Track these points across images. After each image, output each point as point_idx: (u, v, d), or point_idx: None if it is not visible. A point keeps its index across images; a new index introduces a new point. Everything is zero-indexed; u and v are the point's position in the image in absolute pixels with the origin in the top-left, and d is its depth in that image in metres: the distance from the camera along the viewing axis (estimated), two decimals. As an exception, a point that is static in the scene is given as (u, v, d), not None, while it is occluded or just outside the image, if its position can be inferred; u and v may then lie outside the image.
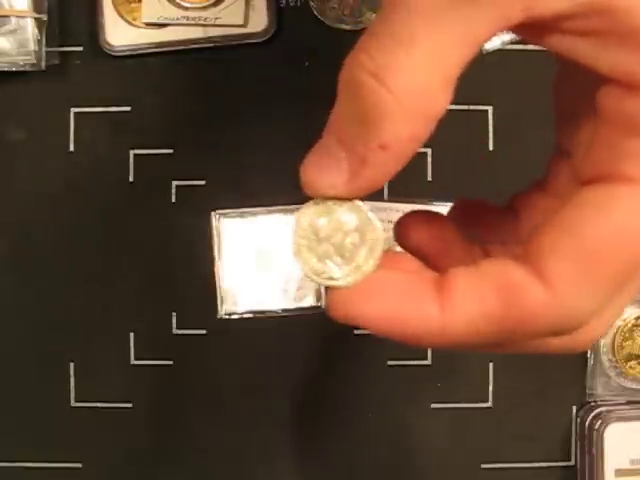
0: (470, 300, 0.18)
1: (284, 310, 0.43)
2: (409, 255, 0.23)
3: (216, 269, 0.42)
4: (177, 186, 0.43)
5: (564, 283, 0.18)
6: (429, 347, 0.19)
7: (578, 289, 0.18)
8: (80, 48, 0.42)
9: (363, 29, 0.20)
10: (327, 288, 0.21)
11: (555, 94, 0.24)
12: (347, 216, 0.20)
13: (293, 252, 0.20)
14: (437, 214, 0.24)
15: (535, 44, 0.19)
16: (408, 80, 0.17)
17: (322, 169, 0.20)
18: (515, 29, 0.18)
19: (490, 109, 0.43)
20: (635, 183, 0.18)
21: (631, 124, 0.17)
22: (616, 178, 0.18)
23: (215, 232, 0.42)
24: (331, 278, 0.21)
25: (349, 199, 0.20)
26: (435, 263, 0.22)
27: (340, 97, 0.19)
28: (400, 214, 0.43)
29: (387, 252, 0.20)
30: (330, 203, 0.20)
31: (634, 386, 0.43)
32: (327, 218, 0.20)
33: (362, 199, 0.20)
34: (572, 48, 0.18)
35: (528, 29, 0.18)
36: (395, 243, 0.23)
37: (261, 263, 0.43)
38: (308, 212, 0.20)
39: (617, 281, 0.18)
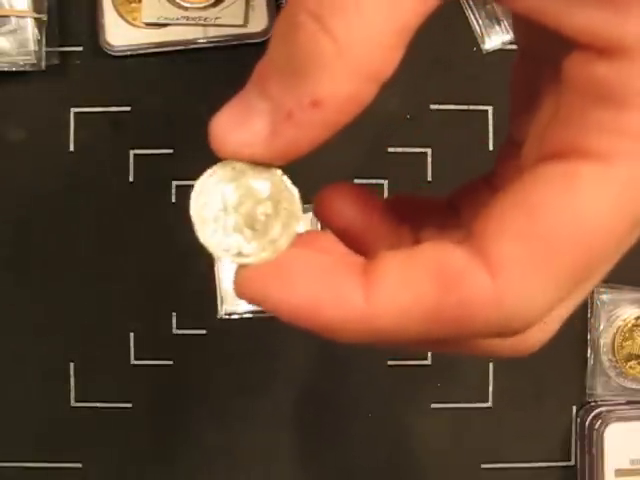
0: (401, 288, 0.16)
1: (284, 310, 0.43)
2: (331, 235, 0.20)
3: (216, 269, 0.42)
4: (177, 186, 0.43)
5: (512, 269, 0.15)
6: (349, 341, 0.16)
7: (528, 278, 0.15)
8: (80, 48, 0.42)
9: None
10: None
11: (514, 77, 0.22)
12: (259, 182, 0.17)
13: (194, 224, 0.17)
14: (366, 189, 0.21)
15: (502, 4, 0.16)
16: (355, 27, 0.15)
17: (237, 123, 0.17)
18: None
19: (490, 109, 0.43)
20: (600, 160, 0.15)
21: (599, 93, 0.15)
22: (579, 153, 0.15)
23: (215, 232, 0.42)
24: (240, 254, 0.17)
25: (263, 163, 0.17)
26: (361, 246, 0.20)
27: (273, 41, 0.16)
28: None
29: (307, 231, 0.18)
30: (239, 166, 0.17)
31: (634, 386, 0.43)
32: (235, 184, 0.17)
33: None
34: (537, 7, 0.15)
35: None
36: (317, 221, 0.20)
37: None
38: (214, 176, 0.17)
39: (574, 277, 0.16)
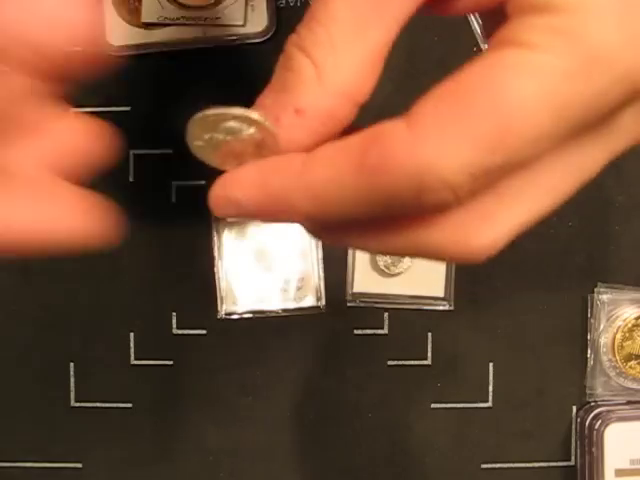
0: (331, 149, 0.18)
1: (284, 310, 0.43)
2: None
3: (216, 269, 0.42)
4: (177, 186, 0.43)
5: (427, 121, 0.17)
6: (295, 212, 0.19)
7: (441, 131, 0.16)
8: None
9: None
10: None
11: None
12: (252, 132, 0.20)
13: (191, 125, 0.20)
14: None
15: None
16: (329, 56, 0.18)
17: None
18: None
19: (490, 109, 0.43)
20: (529, 48, 0.17)
21: (535, 4, 0.17)
22: (512, 44, 0.17)
23: (215, 232, 0.42)
24: (210, 162, 0.22)
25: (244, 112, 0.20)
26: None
27: (274, 74, 0.20)
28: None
29: None
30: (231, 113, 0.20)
31: (634, 386, 0.43)
32: (233, 123, 0.20)
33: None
34: None
35: None
36: None
37: (261, 263, 0.43)
38: (210, 115, 0.20)
39: (490, 149, 0.16)
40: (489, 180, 0.18)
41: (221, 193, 0.21)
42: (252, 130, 0.20)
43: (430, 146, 0.17)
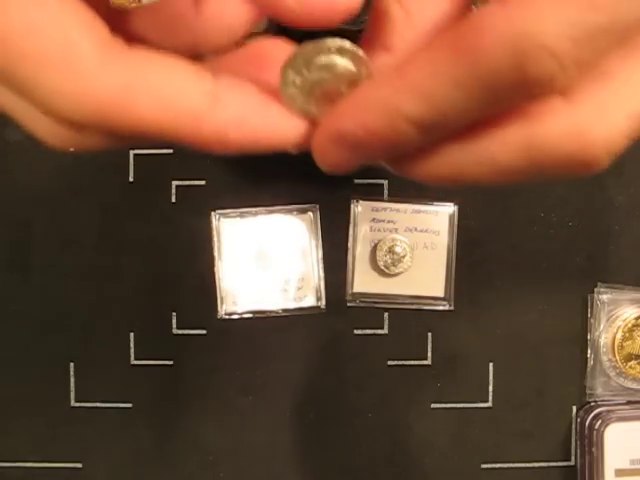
0: (424, 47, 0.19)
1: (284, 310, 0.43)
2: None
3: (216, 269, 0.42)
4: (177, 186, 0.43)
5: None
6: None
7: None
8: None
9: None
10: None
11: None
12: (345, 64, 0.19)
13: (281, 76, 0.19)
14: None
15: None
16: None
17: None
18: None
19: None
20: None
21: None
22: None
23: (215, 232, 0.42)
24: (307, 112, 0.20)
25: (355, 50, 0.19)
26: None
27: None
28: (400, 214, 0.43)
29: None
30: (329, 42, 0.19)
31: (634, 386, 0.43)
32: (327, 61, 0.19)
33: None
34: None
35: None
36: None
37: (261, 263, 0.43)
38: (309, 50, 0.19)
39: (592, 4, 0.15)
40: (595, 50, 0.16)
41: (326, 135, 0.19)
42: (346, 62, 0.19)
43: (526, 10, 0.15)
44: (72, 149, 0.20)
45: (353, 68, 0.19)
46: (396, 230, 0.42)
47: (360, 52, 0.19)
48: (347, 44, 0.19)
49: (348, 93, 0.19)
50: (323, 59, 0.19)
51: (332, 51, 0.19)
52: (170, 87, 0.17)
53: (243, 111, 0.19)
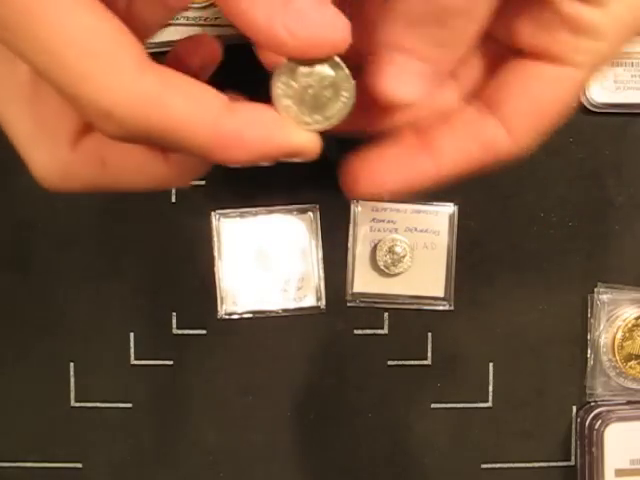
0: None
1: (284, 310, 0.43)
2: None
3: (216, 269, 0.42)
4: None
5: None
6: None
7: None
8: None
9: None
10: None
11: None
12: (327, 71, 0.22)
13: (273, 93, 0.22)
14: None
15: None
16: None
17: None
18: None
19: (490, 109, 0.43)
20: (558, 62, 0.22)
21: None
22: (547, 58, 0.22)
23: (215, 232, 0.42)
24: (302, 121, 0.22)
25: (331, 57, 0.21)
26: None
27: None
28: (400, 214, 0.43)
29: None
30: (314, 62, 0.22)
31: (634, 386, 0.43)
32: (310, 69, 0.22)
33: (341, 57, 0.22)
34: None
35: None
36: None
37: (261, 263, 0.43)
38: (292, 62, 0.22)
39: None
40: None
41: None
42: (325, 68, 0.22)
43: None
44: (63, 188, 0.23)
45: (332, 72, 0.22)
46: (396, 230, 0.42)
47: (336, 58, 0.21)
48: (343, 67, 0.22)
49: (334, 98, 0.22)
50: (304, 68, 0.22)
51: (313, 62, 0.22)
52: (195, 91, 0.20)
53: (255, 117, 0.21)
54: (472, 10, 0.21)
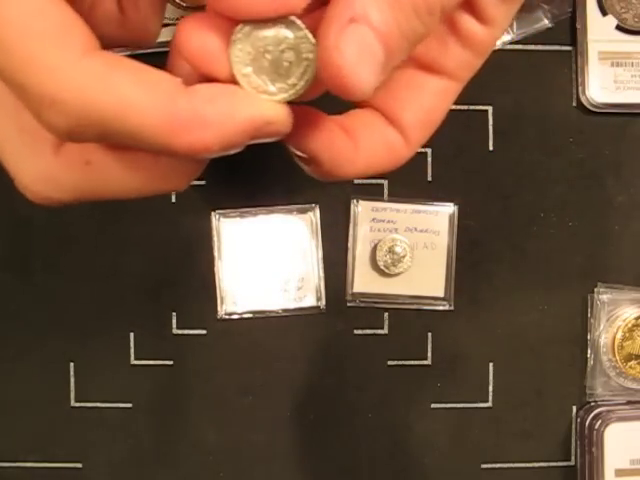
0: None
1: (284, 310, 0.43)
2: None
3: (216, 269, 0.42)
4: (177, 186, 0.43)
5: None
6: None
7: None
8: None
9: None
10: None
11: None
12: (284, 32, 0.20)
13: (231, 62, 0.20)
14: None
15: None
16: None
17: None
18: None
19: (490, 109, 0.43)
20: None
21: None
22: None
23: (215, 232, 0.42)
24: (265, 92, 0.20)
25: (286, 16, 0.20)
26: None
27: None
28: (400, 214, 0.43)
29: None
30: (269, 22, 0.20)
31: (634, 386, 0.43)
32: (265, 32, 0.20)
33: (299, 17, 0.20)
34: None
35: None
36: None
37: (261, 263, 0.43)
38: (248, 26, 0.20)
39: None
40: None
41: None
42: (283, 30, 0.20)
43: None
44: (50, 197, 0.23)
45: (290, 33, 0.20)
46: (396, 230, 0.42)
47: (293, 18, 0.20)
48: (302, 27, 0.20)
49: (296, 62, 0.20)
50: (261, 32, 0.20)
51: (268, 24, 0.20)
52: (145, 73, 0.19)
53: (213, 93, 0.19)
54: None
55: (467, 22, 0.23)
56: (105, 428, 0.43)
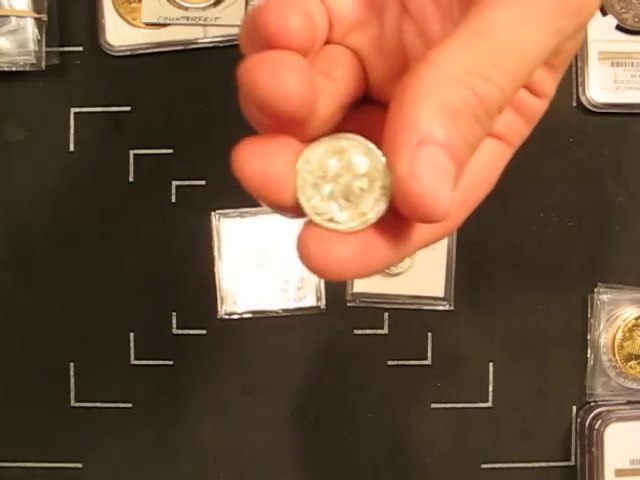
0: None
1: (284, 310, 0.43)
2: None
3: (216, 269, 0.42)
4: (177, 186, 0.43)
5: None
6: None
7: None
8: (80, 48, 0.42)
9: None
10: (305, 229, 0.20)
11: None
12: (359, 158, 0.19)
13: (297, 187, 0.19)
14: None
15: None
16: None
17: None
18: None
19: (490, 109, 0.43)
20: None
21: None
22: None
23: (215, 232, 0.42)
24: (332, 220, 0.19)
25: (363, 142, 0.19)
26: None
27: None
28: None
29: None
30: (344, 143, 0.19)
31: (634, 386, 0.43)
32: (338, 157, 0.19)
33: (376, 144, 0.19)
34: None
35: None
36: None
37: (261, 263, 0.43)
38: (319, 149, 0.19)
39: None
40: None
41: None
42: (360, 157, 0.19)
43: None
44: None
45: (365, 159, 0.19)
46: (396, 230, 0.42)
47: (371, 145, 0.19)
48: (359, 139, 0.19)
49: (368, 190, 0.19)
50: (331, 157, 0.19)
51: (344, 149, 0.19)
52: None
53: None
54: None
55: (521, 95, 0.23)
56: (105, 428, 0.43)
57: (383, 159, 0.19)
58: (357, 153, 0.19)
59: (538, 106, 0.23)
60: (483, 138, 0.20)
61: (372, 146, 0.19)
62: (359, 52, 0.23)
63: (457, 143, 0.18)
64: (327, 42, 0.22)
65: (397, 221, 0.19)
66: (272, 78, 0.18)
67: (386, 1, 0.23)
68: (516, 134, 0.24)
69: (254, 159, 0.20)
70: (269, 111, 0.19)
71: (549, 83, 0.23)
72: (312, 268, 0.19)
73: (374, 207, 0.19)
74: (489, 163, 0.24)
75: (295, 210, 0.20)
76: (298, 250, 0.20)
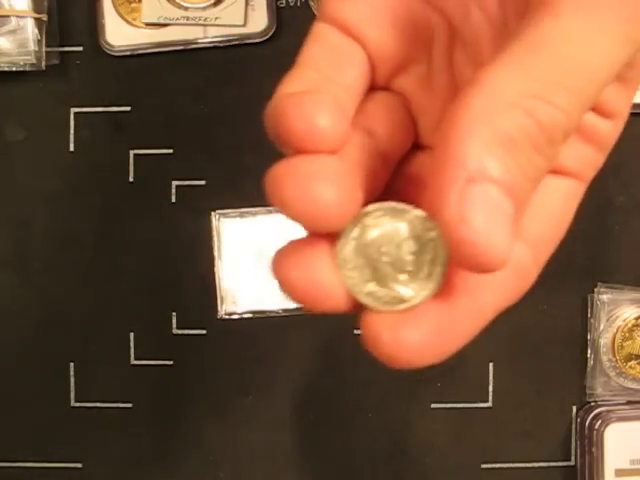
0: None
1: (284, 310, 0.43)
2: None
3: (216, 269, 0.42)
4: (177, 186, 0.43)
5: None
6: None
7: None
8: (80, 48, 0.42)
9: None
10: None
11: None
12: (392, 225, 0.17)
13: (348, 287, 0.17)
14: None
15: None
16: None
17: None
18: None
19: (490, 109, 0.43)
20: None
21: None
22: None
23: (215, 232, 0.42)
24: (403, 301, 0.17)
25: (386, 205, 0.17)
26: None
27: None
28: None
29: None
30: (369, 220, 0.17)
31: (634, 386, 0.43)
32: (371, 232, 0.17)
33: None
34: None
35: None
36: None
37: (261, 263, 0.43)
38: (347, 239, 0.17)
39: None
40: None
41: None
42: (409, 229, 0.17)
43: None
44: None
45: (402, 223, 0.17)
46: (396, 230, 0.42)
47: (394, 204, 0.17)
48: (378, 205, 0.17)
49: (420, 250, 0.17)
50: (367, 236, 0.17)
51: (395, 219, 0.17)
52: None
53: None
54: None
55: (589, 118, 0.19)
56: (105, 428, 0.43)
57: (417, 212, 0.17)
58: (386, 220, 0.17)
59: (610, 129, 0.20)
60: (546, 171, 0.17)
61: (398, 205, 0.17)
62: (407, 95, 0.20)
63: (514, 178, 0.16)
64: (370, 88, 0.20)
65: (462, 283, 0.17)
66: (304, 198, 0.16)
67: (433, 29, 0.20)
68: (588, 166, 0.20)
69: (294, 271, 0.17)
70: (305, 227, 0.17)
71: (622, 101, 0.19)
72: (385, 356, 0.18)
73: (435, 263, 0.17)
74: (560, 205, 0.21)
75: (355, 309, 0.18)
76: (366, 342, 0.18)
